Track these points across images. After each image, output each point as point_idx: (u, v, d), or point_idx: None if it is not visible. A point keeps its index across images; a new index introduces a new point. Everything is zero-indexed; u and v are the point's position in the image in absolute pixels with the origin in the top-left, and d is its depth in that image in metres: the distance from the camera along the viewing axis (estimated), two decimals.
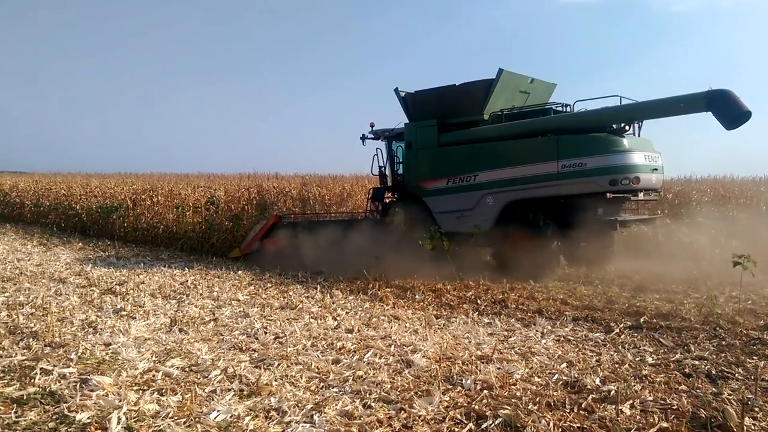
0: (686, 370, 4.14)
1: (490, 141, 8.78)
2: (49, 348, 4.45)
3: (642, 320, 5.65)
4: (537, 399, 3.51)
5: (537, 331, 5.33)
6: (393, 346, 4.71)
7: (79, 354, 4.28)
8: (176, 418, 3.17)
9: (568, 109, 8.80)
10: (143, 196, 15.78)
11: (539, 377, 3.98)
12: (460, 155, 8.97)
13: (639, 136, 8.57)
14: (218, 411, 3.26)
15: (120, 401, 3.32)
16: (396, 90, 9.67)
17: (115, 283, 7.47)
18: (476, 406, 3.40)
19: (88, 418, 3.12)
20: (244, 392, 3.64)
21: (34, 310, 5.76)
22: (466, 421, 3.22)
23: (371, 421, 3.20)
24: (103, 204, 15.63)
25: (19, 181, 24.23)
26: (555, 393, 3.64)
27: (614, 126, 8.28)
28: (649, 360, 4.41)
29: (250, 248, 10.18)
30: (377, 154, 10.16)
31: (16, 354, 4.25)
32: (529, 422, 3.16)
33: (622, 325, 5.56)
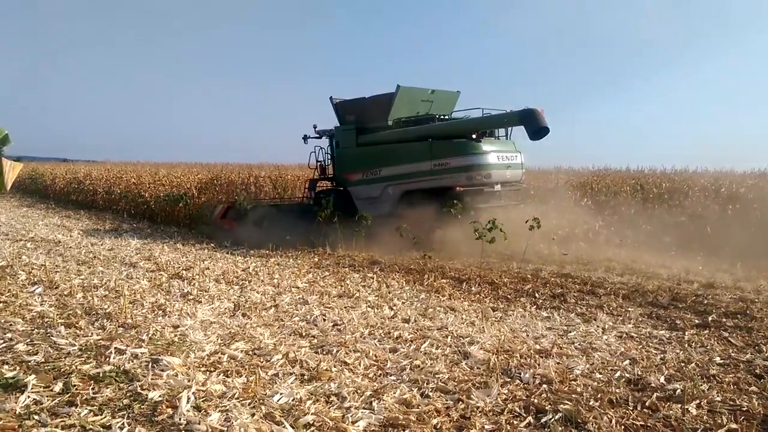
0: (757, 371, 3.98)
1: (389, 143, 10.86)
2: (122, 329, 4.69)
3: (710, 318, 5.43)
4: (598, 395, 3.44)
5: (598, 326, 5.22)
6: (450, 337, 4.72)
7: (150, 335, 4.49)
8: (242, 399, 3.30)
9: (447, 118, 11.15)
10: (208, 185, 16.31)
11: (600, 373, 3.91)
12: (370, 154, 11.08)
13: (507, 139, 10.77)
14: (281, 394, 3.37)
15: (189, 381, 3.48)
16: (330, 98, 11.75)
17: (181, 268, 7.79)
18: (535, 400, 3.37)
19: (160, 396, 3.29)
20: (305, 377, 3.74)
21: (107, 293, 6.07)
22: (525, 415, 3.20)
23: (429, 410, 3.23)
24: (170, 192, 16.26)
25: (93, 170, 25.51)
26: (617, 390, 3.57)
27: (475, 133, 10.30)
28: (717, 359, 4.25)
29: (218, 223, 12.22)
30: (314, 151, 12.23)
31: (92, 334, 4.50)
32: (591, 418, 3.11)
33: (688, 322, 5.38)
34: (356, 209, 10.88)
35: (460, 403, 3.35)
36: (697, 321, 5.45)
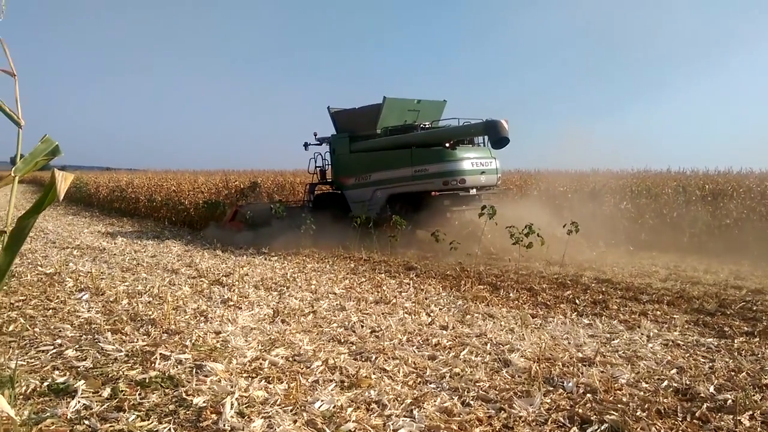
0: None
1: (377, 150, 11.74)
2: (166, 335, 4.80)
3: (760, 325, 5.25)
4: (645, 406, 3.36)
5: (642, 334, 5.09)
6: (489, 345, 4.67)
7: (193, 341, 4.58)
8: (283, 405, 3.33)
9: (429, 127, 11.90)
10: (245, 192, 16.56)
11: (647, 383, 3.81)
12: (362, 160, 11.93)
13: (483, 146, 11.43)
14: (322, 401, 3.39)
15: (232, 387, 3.53)
16: (328, 108, 12.59)
17: (221, 274, 7.92)
18: (579, 410, 3.30)
19: (204, 402, 3.34)
20: (345, 383, 3.75)
21: (151, 299, 6.22)
22: (569, 425, 3.14)
23: (471, 419, 3.20)
24: (209, 199, 16.58)
25: (134, 178, 26.24)
26: (665, 400, 3.47)
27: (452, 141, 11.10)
28: None
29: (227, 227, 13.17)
30: (314, 157, 13.11)
31: (138, 340, 4.61)
32: (638, 430, 3.04)
33: (737, 329, 5.21)
34: (351, 211, 11.99)
35: (502, 412, 3.31)
36: (746, 328, 5.27)
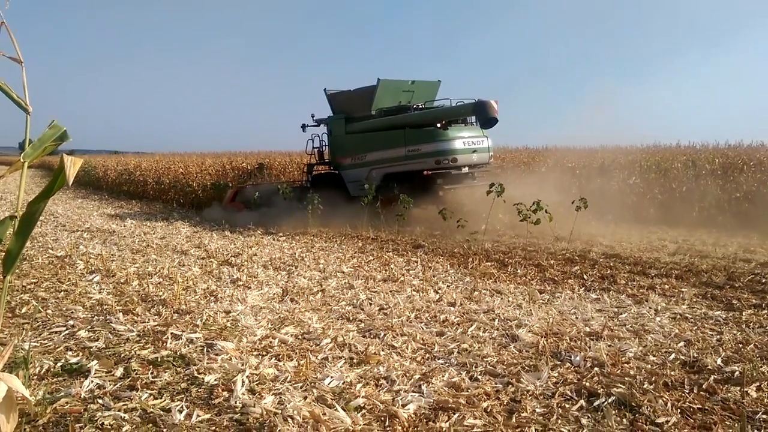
0: None
1: (373, 131, 11.92)
2: (176, 314, 4.85)
3: None
4: (653, 378, 3.37)
5: (650, 308, 5.09)
6: (497, 320, 4.69)
7: (204, 320, 4.63)
8: (293, 382, 3.37)
9: (423, 107, 12.00)
10: (250, 173, 16.57)
11: (654, 356, 3.82)
12: (357, 141, 12.17)
13: (472, 125, 11.55)
14: (331, 377, 3.43)
15: (243, 365, 3.58)
16: (325, 90, 12.78)
17: (230, 255, 7.97)
18: (587, 383, 3.33)
19: (215, 380, 3.39)
20: (354, 360, 3.79)
21: (161, 280, 6.28)
22: (576, 398, 3.17)
23: (479, 394, 3.23)
24: (216, 181, 16.62)
25: (142, 161, 26.29)
26: (672, 373, 3.49)
27: (444, 121, 11.26)
28: None
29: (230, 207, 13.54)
30: (311, 138, 13.44)
31: (149, 320, 4.67)
32: (645, 402, 3.06)
33: (745, 302, 5.20)
34: (347, 190, 12.35)
35: (510, 386, 3.33)
36: (754, 300, 5.26)
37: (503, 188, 9.37)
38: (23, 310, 4.94)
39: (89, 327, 4.45)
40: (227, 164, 21.04)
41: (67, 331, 4.35)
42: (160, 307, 5.08)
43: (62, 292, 5.65)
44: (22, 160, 2.28)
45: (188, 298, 5.43)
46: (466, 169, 11.44)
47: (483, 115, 10.77)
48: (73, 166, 2.20)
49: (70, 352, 3.88)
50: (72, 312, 4.92)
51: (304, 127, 13.28)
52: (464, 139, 11.23)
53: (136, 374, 3.48)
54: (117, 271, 6.66)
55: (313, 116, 13.21)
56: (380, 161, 11.79)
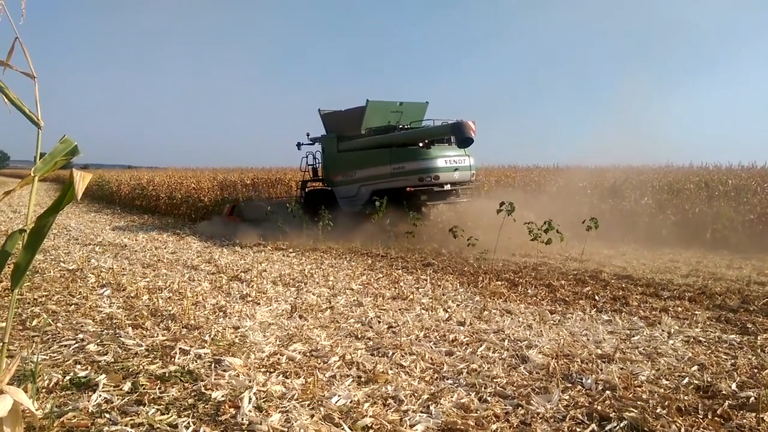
0: None
1: (362, 150, 12.52)
2: (185, 330, 4.85)
3: None
4: (666, 403, 3.31)
5: (663, 330, 5.02)
6: (507, 341, 4.64)
7: (212, 336, 4.62)
8: (301, 400, 3.35)
9: (407, 127, 12.66)
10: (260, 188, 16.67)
11: (667, 380, 3.76)
12: (348, 158, 12.75)
13: (453, 144, 11.85)
14: (339, 396, 3.40)
15: (250, 382, 3.56)
16: (319, 110, 13.35)
17: (240, 270, 7.98)
18: (598, 407, 3.27)
19: (222, 396, 3.37)
20: (362, 379, 3.76)
21: (171, 295, 6.29)
22: (587, 422, 3.11)
23: (488, 416, 3.18)
24: (227, 197, 16.71)
25: (155, 176, 26.47)
26: (686, 397, 3.42)
27: (426, 141, 11.88)
28: None
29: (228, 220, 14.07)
30: (306, 156, 14.03)
31: (158, 334, 4.67)
32: (658, 426, 3.00)
33: (760, 326, 5.11)
34: (339, 206, 12.77)
35: (520, 408, 3.29)
36: None
37: (513, 207, 9.34)
38: (34, 323, 4.96)
39: (98, 341, 4.46)
40: (237, 179, 21.17)
41: (76, 345, 4.36)
42: (170, 321, 5.08)
43: (73, 306, 5.67)
44: (32, 174, 2.30)
45: (197, 313, 5.43)
46: (448, 186, 11.95)
47: (459, 135, 11.32)
48: (82, 181, 2.22)
49: (78, 366, 3.88)
50: (82, 325, 4.93)
51: (299, 145, 13.96)
52: (446, 158, 11.78)
53: (144, 389, 3.47)
54: (127, 285, 6.69)
55: (308, 135, 13.86)
56: (368, 178, 12.34)
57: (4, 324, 4.78)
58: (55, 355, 4.13)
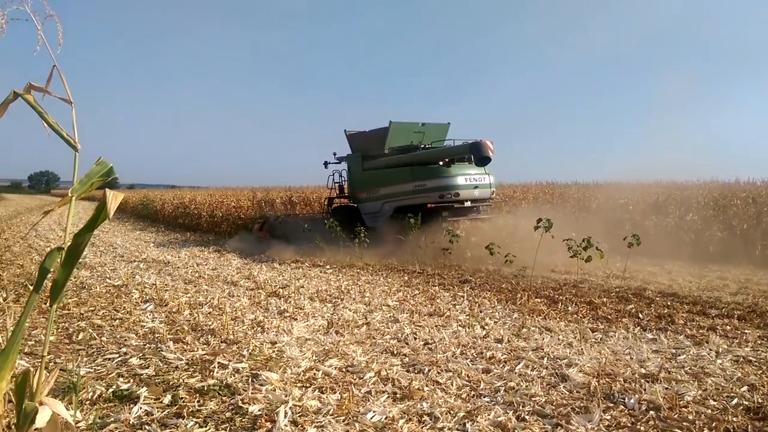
0: None
1: (384, 168, 13.04)
2: (224, 344, 4.92)
3: None
4: (713, 424, 3.18)
5: (711, 350, 4.84)
6: (546, 359, 4.55)
7: (250, 351, 4.68)
8: (336, 415, 3.35)
9: (428, 147, 13.07)
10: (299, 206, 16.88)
11: (715, 400, 3.61)
12: (372, 177, 13.24)
13: (472, 163, 12.06)
14: (374, 412, 3.38)
15: (286, 396, 3.58)
16: (345, 131, 13.98)
17: (278, 286, 8.07)
18: (641, 428, 3.17)
19: (259, 410, 3.40)
20: (397, 395, 3.74)
21: (211, 310, 6.40)
22: None
23: None
24: (263, 214, 16.98)
25: (197, 195, 27.13)
26: (735, 419, 3.28)
27: (447, 159, 12.34)
28: None
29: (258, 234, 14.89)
30: (332, 174, 14.61)
31: (198, 349, 4.76)
32: None
33: None
34: (364, 222, 13.11)
35: (559, 428, 3.21)
36: None
37: (551, 224, 9.19)
38: (80, 337, 5.12)
39: (141, 354, 4.57)
40: (276, 198, 21.50)
41: (119, 358, 4.47)
42: (209, 336, 5.17)
43: (117, 320, 5.83)
44: (70, 194, 2.40)
45: (236, 328, 5.51)
46: (468, 203, 12.34)
47: (477, 154, 11.66)
48: (114, 200, 2.29)
49: (121, 379, 3.98)
50: (125, 339, 5.06)
51: (326, 164, 14.52)
52: (466, 176, 12.20)
53: (183, 402, 3.53)
54: (170, 300, 6.84)
55: (335, 154, 14.44)
56: (392, 195, 12.79)
57: (51, 338, 4.95)
58: (99, 368, 4.24)
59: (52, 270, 2.33)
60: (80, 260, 10.56)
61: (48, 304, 2.45)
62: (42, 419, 2.23)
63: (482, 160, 11.75)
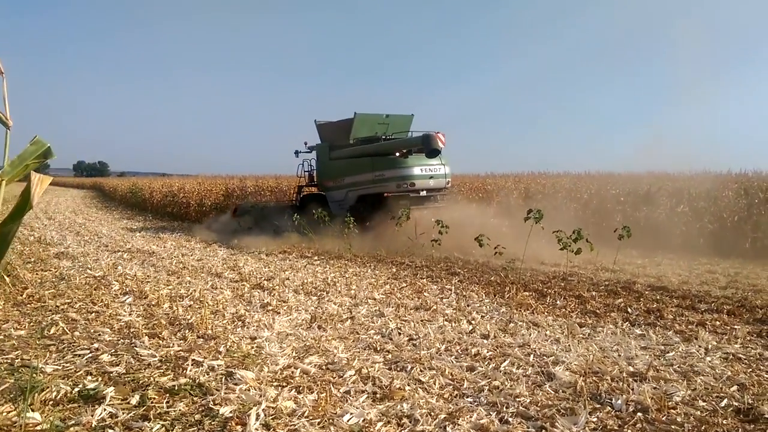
0: None
1: (349, 158, 13.58)
2: (201, 340, 4.77)
3: None
4: (702, 427, 3.07)
5: (700, 346, 4.73)
6: (532, 356, 4.43)
7: (228, 347, 4.53)
8: (311, 418, 3.21)
9: (389, 138, 13.65)
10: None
11: (704, 401, 3.50)
12: (338, 166, 13.78)
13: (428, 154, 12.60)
14: (351, 414, 3.25)
15: (260, 397, 3.44)
16: (315, 121, 14.48)
17: (263, 278, 7.91)
18: (629, 431, 3.05)
19: (231, 412, 3.25)
20: (377, 395, 3.60)
21: (191, 303, 6.24)
22: None
23: None
24: (255, 203, 16.77)
25: (186, 183, 26.78)
26: (725, 421, 3.17)
27: (404, 150, 12.83)
28: None
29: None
30: (302, 163, 15.08)
31: (173, 344, 4.59)
32: None
33: None
34: (330, 209, 13.52)
35: (543, 431, 3.08)
36: None
37: (541, 215, 9.07)
38: (52, 331, 4.95)
39: (113, 350, 4.40)
40: (264, 186, 21.28)
41: (90, 355, 4.30)
42: (187, 331, 5.01)
43: (93, 314, 5.66)
44: (0, 178, 2.18)
45: (216, 322, 5.36)
46: (424, 192, 12.99)
47: (427, 146, 12.35)
48: (39, 186, 2.09)
49: (89, 377, 3.81)
50: (99, 334, 4.89)
51: (297, 153, 14.96)
52: (422, 167, 12.80)
53: (152, 403, 3.37)
54: (150, 293, 6.67)
55: (306, 143, 14.91)
56: (354, 184, 13.38)
57: (21, 333, 4.76)
58: (67, 365, 4.07)
59: None
60: (62, 250, 10.25)
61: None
62: None
63: (432, 152, 12.42)
